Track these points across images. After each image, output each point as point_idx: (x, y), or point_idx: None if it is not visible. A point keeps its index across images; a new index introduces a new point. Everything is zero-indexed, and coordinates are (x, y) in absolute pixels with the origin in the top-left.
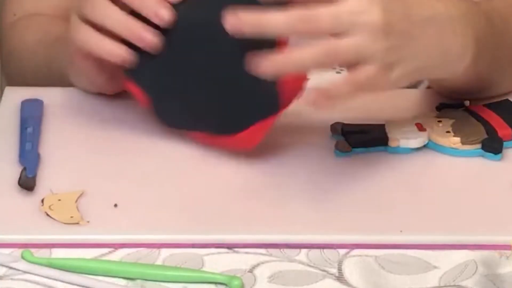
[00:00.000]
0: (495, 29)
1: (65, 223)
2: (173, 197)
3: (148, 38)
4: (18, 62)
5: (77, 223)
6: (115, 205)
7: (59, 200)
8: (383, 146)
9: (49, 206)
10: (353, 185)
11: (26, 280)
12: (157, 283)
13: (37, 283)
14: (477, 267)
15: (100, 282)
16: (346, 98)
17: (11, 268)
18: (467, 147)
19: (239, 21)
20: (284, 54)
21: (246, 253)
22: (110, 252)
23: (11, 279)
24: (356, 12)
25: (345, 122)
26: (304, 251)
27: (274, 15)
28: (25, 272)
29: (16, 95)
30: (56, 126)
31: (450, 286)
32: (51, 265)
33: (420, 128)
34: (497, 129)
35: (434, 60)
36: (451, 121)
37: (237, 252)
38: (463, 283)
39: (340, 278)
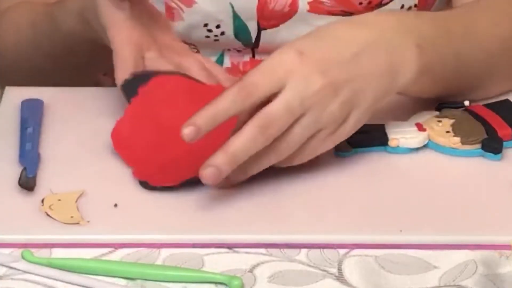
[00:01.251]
0: (448, 38)
1: (65, 223)
2: (173, 197)
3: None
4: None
5: (77, 223)
6: (115, 205)
7: (59, 200)
8: (383, 146)
9: (49, 206)
10: (353, 185)
11: (26, 280)
12: (157, 283)
13: (37, 283)
14: (477, 267)
15: (100, 282)
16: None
17: (11, 268)
18: (467, 147)
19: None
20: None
21: (246, 253)
22: (110, 252)
23: (11, 279)
24: (301, 90)
25: None
26: (304, 251)
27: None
28: (25, 272)
29: (16, 95)
30: (56, 126)
31: (450, 286)
32: (51, 265)
33: (420, 128)
34: (497, 129)
35: (380, 85)
36: (451, 121)
37: (237, 252)
38: (463, 283)
39: (340, 278)
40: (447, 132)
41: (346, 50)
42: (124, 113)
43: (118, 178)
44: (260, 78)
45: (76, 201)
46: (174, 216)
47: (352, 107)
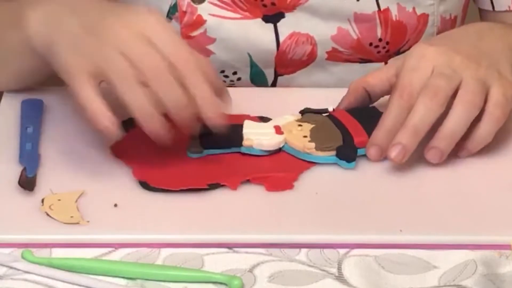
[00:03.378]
0: None
1: (65, 223)
2: (173, 197)
3: (160, 135)
4: None
5: (77, 223)
6: (115, 205)
7: (59, 200)
8: (237, 147)
9: (49, 206)
10: (352, 185)
11: (26, 280)
12: (157, 283)
13: (37, 283)
14: (476, 267)
15: (100, 282)
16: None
17: (11, 267)
18: (321, 154)
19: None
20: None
21: (246, 253)
22: (110, 252)
23: (11, 278)
24: (447, 63)
25: None
26: (304, 250)
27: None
28: (25, 272)
29: (16, 95)
30: (56, 126)
31: (450, 285)
32: (51, 265)
33: (278, 131)
34: (354, 136)
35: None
36: (310, 126)
37: (237, 252)
38: (463, 283)
39: (340, 277)
40: (304, 136)
41: (468, 39)
42: (123, 137)
43: (118, 178)
44: (412, 77)
45: (76, 201)
46: (174, 216)
47: (495, 69)
